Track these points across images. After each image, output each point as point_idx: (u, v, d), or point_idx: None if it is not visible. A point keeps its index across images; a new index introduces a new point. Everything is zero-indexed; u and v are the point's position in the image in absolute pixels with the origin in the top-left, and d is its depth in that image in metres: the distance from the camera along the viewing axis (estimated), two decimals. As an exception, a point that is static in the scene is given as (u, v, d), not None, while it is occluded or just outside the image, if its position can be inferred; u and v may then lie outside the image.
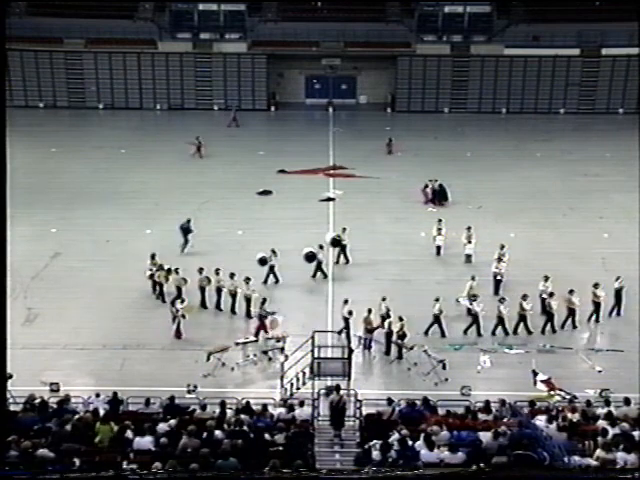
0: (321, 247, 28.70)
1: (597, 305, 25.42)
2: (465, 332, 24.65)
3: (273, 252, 28.18)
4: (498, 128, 53.07)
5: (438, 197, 37.03)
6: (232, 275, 25.98)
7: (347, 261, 29.89)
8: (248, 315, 25.60)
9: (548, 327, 24.98)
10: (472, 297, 25.35)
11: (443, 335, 24.44)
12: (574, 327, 25.15)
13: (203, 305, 26.35)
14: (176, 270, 26.57)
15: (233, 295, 25.95)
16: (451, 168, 41.05)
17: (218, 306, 26.27)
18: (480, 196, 37.60)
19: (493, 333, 24.69)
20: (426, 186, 37.13)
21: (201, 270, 26.39)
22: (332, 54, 56.00)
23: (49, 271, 29.22)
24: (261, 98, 56.22)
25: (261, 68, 55.85)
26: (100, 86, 55.67)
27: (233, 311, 25.97)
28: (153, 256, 27.26)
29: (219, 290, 26.21)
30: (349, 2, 55.60)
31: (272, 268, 28.17)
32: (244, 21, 56.57)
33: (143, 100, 55.99)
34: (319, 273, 28.47)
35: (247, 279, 25.75)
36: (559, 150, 46.14)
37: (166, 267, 26.75)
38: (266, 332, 23.95)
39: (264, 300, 24.60)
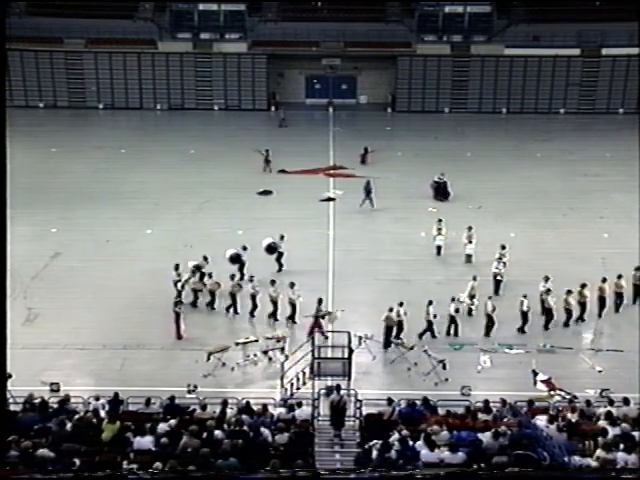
0: (245, 248, 28.45)
1: (620, 295, 26.08)
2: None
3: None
4: (498, 128, 53.05)
5: (439, 192, 37.41)
6: (273, 282, 25.66)
7: (280, 269, 28.98)
8: (292, 320, 25.29)
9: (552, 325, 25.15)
10: (472, 297, 25.43)
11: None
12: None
13: (235, 311, 26.04)
14: (209, 275, 26.42)
15: (274, 302, 25.44)
16: (451, 168, 40.91)
17: (252, 313, 25.80)
18: (480, 196, 37.61)
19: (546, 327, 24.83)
20: (434, 181, 37.70)
21: (233, 276, 26.32)
22: (332, 54, 55.97)
23: (49, 271, 29.22)
24: (261, 98, 56.19)
25: (261, 68, 55.83)
26: (100, 86, 55.63)
27: (275, 318, 25.50)
28: (177, 266, 26.80)
29: (254, 297, 25.66)
30: (349, 2, 55.56)
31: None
32: (244, 21, 56.54)
33: (143, 100, 55.98)
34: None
35: (292, 284, 25.43)
36: (559, 150, 46.13)
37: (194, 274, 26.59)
38: (322, 333, 23.82)
39: (320, 300, 24.45)
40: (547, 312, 25.03)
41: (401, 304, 24.17)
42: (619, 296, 26.10)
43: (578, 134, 50.98)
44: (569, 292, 25.02)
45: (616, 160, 43.16)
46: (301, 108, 57.02)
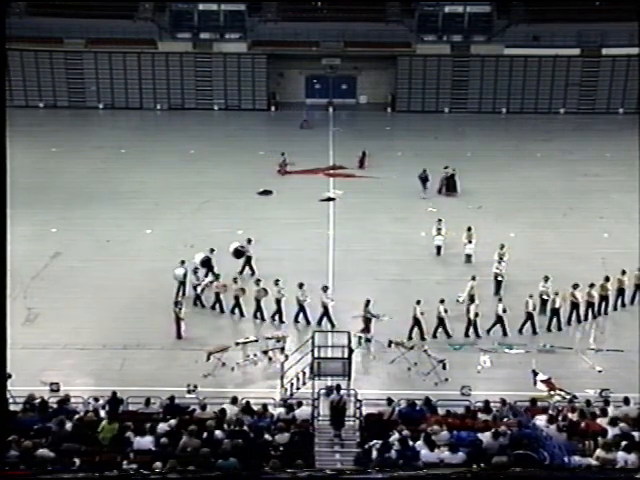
0: (212, 250, 28.24)
1: (639, 287, 26.72)
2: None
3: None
4: (498, 128, 53.04)
5: (447, 186, 37.93)
6: (301, 285, 25.38)
7: (252, 272, 28.45)
8: (331, 323, 25.00)
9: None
10: (471, 297, 25.44)
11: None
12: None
13: (261, 316, 25.71)
14: (234, 280, 26.12)
15: (301, 305, 25.19)
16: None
17: (280, 317, 25.52)
18: (480, 196, 37.62)
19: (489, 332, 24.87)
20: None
21: (258, 281, 25.94)
22: (332, 54, 55.96)
23: (49, 271, 29.22)
24: (261, 98, 56.19)
25: (261, 68, 55.83)
26: (100, 86, 55.63)
27: (307, 320, 25.29)
28: (196, 270, 26.60)
29: (278, 301, 25.38)
30: (349, 2, 55.55)
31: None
32: (244, 21, 56.54)
33: (143, 100, 55.97)
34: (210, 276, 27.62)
35: (325, 287, 25.30)
36: (559, 150, 46.12)
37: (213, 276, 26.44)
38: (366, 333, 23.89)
39: (368, 302, 24.40)
40: (573, 305, 25.29)
41: (442, 301, 24.46)
42: (638, 287, 26.64)
43: (578, 134, 50.95)
44: (592, 285, 25.52)
45: (616, 160, 43.15)
46: (301, 108, 57.00)
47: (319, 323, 25.14)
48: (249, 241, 29.06)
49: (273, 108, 56.41)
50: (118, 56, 54.99)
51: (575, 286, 25.34)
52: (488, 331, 24.71)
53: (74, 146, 46.13)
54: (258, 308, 25.73)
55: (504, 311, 24.65)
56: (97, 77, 55.48)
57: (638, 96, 53.51)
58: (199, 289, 26.34)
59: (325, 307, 25.17)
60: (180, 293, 26.63)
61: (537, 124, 52.96)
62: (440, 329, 24.49)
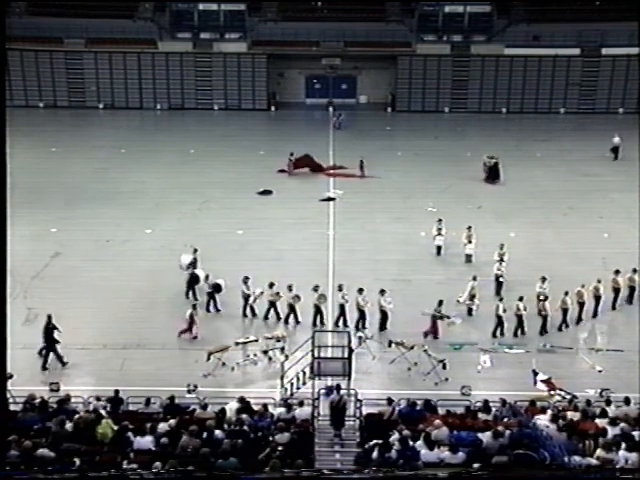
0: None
1: (633, 289, 26.98)
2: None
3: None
4: (498, 128, 53.01)
5: (489, 175, 39.46)
6: (361, 290, 24.98)
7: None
8: (384, 327, 24.75)
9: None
10: (472, 297, 25.42)
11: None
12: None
13: (290, 321, 25.42)
14: (289, 287, 25.34)
15: (361, 310, 24.89)
16: (451, 168, 41.07)
17: (345, 322, 25.02)
18: (480, 196, 37.62)
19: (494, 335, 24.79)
20: (484, 163, 39.54)
21: (271, 285, 25.47)
22: (332, 54, 55.99)
23: (49, 271, 29.21)
24: (261, 98, 56.20)
25: (261, 68, 55.84)
26: (100, 86, 55.64)
27: (364, 325, 24.90)
28: (246, 279, 25.69)
29: (342, 306, 24.95)
30: (349, 2, 55.57)
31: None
32: (244, 21, 56.58)
33: (143, 100, 55.99)
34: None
35: (382, 291, 24.94)
36: (559, 150, 46.11)
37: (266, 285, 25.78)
38: (436, 335, 24.03)
39: (441, 301, 24.41)
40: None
41: (521, 299, 24.62)
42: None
43: (578, 134, 50.97)
44: (635, 271, 26.33)
45: (616, 160, 43.14)
46: (301, 108, 57.05)
47: (381, 329, 24.75)
48: (195, 250, 28.39)
49: (273, 108, 56.41)
50: (118, 56, 55.00)
51: (617, 272, 26.09)
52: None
53: (74, 146, 46.11)
54: (251, 308, 25.69)
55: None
56: (97, 77, 55.49)
57: (638, 96, 53.53)
58: (251, 299, 25.71)
59: (383, 312, 24.85)
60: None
61: (537, 124, 52.97)
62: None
